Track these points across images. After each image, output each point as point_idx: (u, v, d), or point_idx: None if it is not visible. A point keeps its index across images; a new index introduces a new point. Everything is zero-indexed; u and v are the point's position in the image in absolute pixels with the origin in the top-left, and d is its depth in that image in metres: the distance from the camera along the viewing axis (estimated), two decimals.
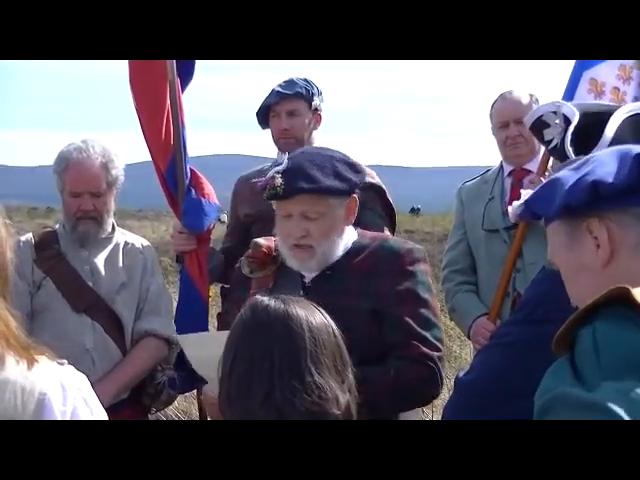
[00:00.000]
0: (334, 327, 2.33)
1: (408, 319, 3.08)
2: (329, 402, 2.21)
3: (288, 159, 3.13)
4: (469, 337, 4.66)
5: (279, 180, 3.05)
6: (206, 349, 3.00)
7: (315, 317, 2.31)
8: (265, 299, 2.35)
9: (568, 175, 1.87)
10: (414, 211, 37.72)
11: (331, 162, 3.13)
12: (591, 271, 1.82)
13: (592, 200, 1.78)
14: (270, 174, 3.09)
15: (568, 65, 4.48)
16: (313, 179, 3.06)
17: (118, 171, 4.03)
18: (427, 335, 3.09)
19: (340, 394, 2.24)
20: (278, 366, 2.22)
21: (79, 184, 3.96)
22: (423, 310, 3.13)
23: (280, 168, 3.08)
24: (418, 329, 3.08)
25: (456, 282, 4.71)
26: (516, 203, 2.14)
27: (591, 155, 1.91)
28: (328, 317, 2.35)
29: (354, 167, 3.18)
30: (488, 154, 4.77)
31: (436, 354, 3.09)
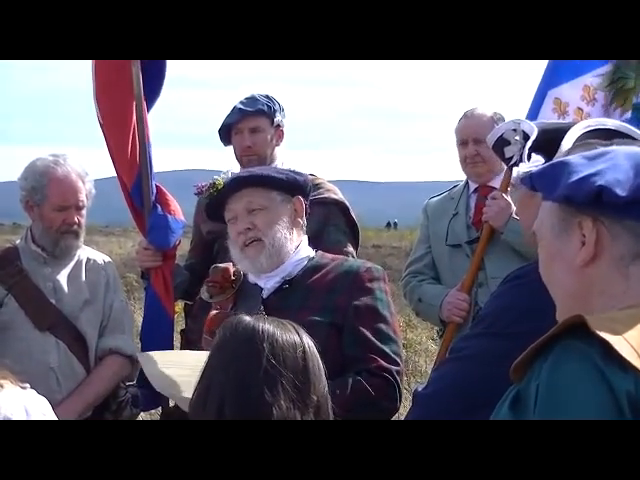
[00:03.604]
0: (307, 348, 2.31)
1: (367, 333, 3.11)
2: None
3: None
4: (441, 321, 4.55)
5: (221, 181, 3.23)
6: (163, 368, 3.02)
7: (285, 336, 2.29)
8: (240, 317, 2.35)
9: (579, 164, 1.84)
10: (390, 225, 37.81)
11: (274, 168, 3.39)
12: (568, 264, 1.83)
13: (593, 201, 1.78)
14: (214, 178, 3.30)
15: (536, 83, 4.51)
16: (253, 174, 3.23)
17: (91, 184, 4.04)
18: (386, 349, 3.12)
19: (296, 414, 2.22)
20: (232, 383, 2.22)
21: (67, 197, 3.94)
22: (382, 325, 3.16)
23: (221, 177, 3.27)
24: (377, 343, 3.11)
25: (419, 279, 4.69)
26: (524, 166, 2.13)
27: (610, 149, 1.89)
28: (306, 337, 2.34)
29: (297, 172, 3.33)
30: (456, 169, 4.79)
31: (394, 368, 3.11)
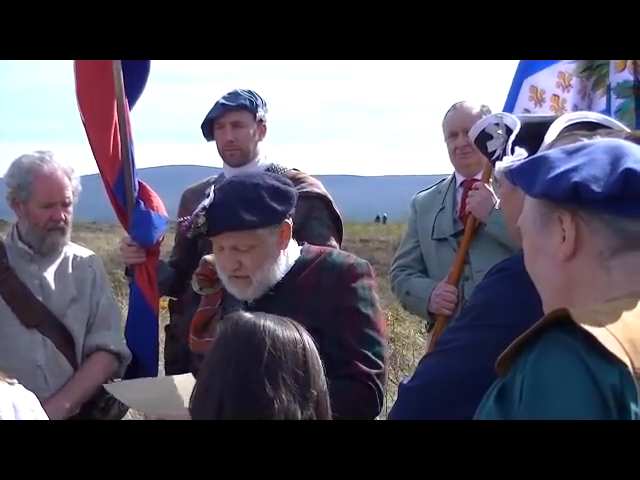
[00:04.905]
0: (307, 345, 2.34)
1: (348, 337, 3.08)
2: (274, 417, 2.21)
3: (214, 192, 3.11)
4: (429, 314, 4.55)
5: (202, 219, 3.04)
6: (138, 394, 3.09)
7: (285, 332, 2.32)
8: (240, 314, 2.37)
9: (557, 159, 1.85)
10: (379, 219, 37.78)
11: (257, 192, 3.08)
12: (551, 259, 1.84)
13: (571, 197, 1.78)
14: (195, 212, 3.08)
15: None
16: (235, 216, 3.04)
17: (78, 181, 4.04)
18: (367, 353, 3.09)
19: (296, 408, 2.25)
20: (231, 377, 2.24)
21: (53, 194, 3.94)
22: (364, 327, 3.13)
23: (206, 203, 3.07)
24: (358, 347, 3.09)
25: (407, 272, 4.69)
26: (508, 159, 2.13)
27: (591, 142, 1.89)
28: (306, 335, 2.36)
29: (282, 195, 3.14)
30: (444, 163, 4.79)
31: (375, 371, 3.09)
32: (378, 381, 3.09)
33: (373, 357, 3.09)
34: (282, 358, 2.26)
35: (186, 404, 2.89)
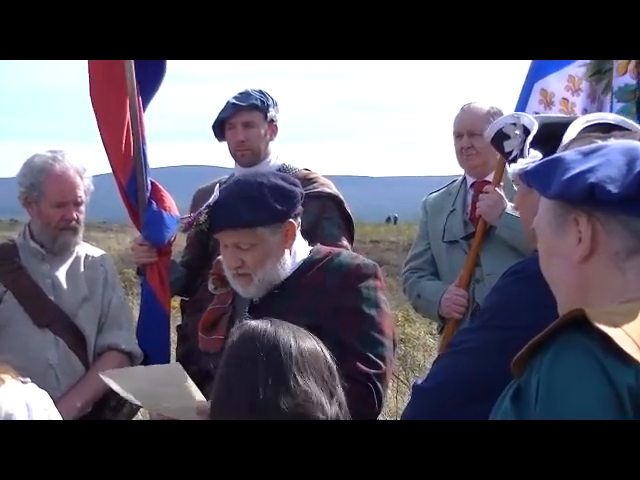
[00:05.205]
0: (325, 351, 2.38)
1: (348, 336, 3.04)
2: (314, 406, 2.25)
3: (220, 191, 3.13)
4: (440, 317, 4.55)
5: (203, 216, 3.08)
6: (132, 383, 3.12)
7: (306, 339, 2.36)
8: (253, 322, 2.39)
9: (573, 160, 1.85)
10: (390, 220, 37.79)
11: (260, 191, 3.09)
12: (567, 260, 1.84)
13: (587, 198, 1.78)
14: (199, 210, 3.12)
15: (523, 77, 4.54)
16: (236, 214, 3.07)
17: (90, 180, 4.05)
18: (367, 353, 3.05)
19: (326, 404, 2.28)
20: (263, 374, 2.25)
21: (65, 193, 3.95)
22: (365, 327, 3.09)
23: (211, 201, 3.10)
24: (358, 347, 3.05)
25: (418, 275, 4.69)
26: (522, 161, 2.14)
27: (606, 144, 1.89)
28: (320, 343, 2.39)
29: (286, 195, 3.14)
30: (455, 164, 4.79)
31: (374, 372, 3.05)
32: (377, 382, 3.05)
33: (373, 357, 3.06)
34: (308, 357, 2.30)
35: (178, 396, 2.90)
